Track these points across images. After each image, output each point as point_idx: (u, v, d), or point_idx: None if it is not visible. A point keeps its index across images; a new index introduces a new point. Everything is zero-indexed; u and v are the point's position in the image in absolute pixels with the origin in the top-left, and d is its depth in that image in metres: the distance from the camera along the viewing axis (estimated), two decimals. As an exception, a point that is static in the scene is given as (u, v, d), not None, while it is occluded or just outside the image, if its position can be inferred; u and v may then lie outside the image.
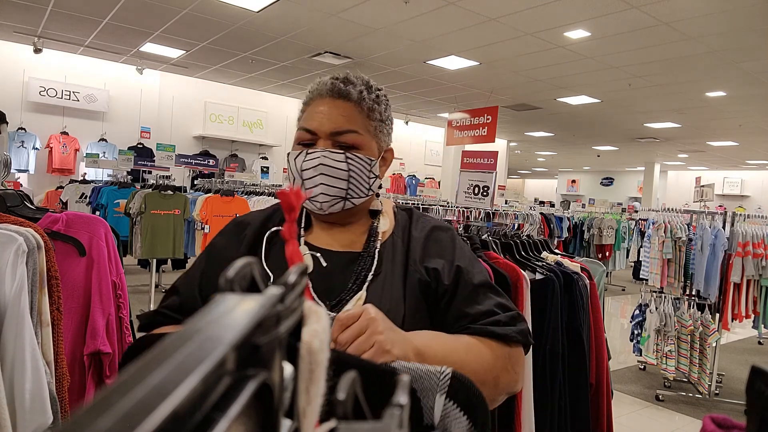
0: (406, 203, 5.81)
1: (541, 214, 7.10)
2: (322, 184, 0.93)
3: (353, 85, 0.95)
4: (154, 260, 5.12)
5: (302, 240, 0.99)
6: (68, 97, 8.25)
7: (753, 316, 4.30)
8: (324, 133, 0.93)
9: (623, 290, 9.24)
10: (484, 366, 0.81)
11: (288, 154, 0.99)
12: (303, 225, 1.01)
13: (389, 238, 0.98)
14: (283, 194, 0.47)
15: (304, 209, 1.02)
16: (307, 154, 0.93)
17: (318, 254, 0.94)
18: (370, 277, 0.92)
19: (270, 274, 0.92)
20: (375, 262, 0.94)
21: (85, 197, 5.62)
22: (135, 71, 8.78)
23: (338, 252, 0.95)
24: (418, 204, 5.28)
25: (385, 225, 1.00)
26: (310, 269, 0.91)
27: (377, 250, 0.95)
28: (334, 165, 0.92)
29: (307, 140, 0.94)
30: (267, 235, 0.97)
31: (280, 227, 0.98)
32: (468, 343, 0.84)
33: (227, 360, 0.17)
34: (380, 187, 1.02)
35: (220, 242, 1.00)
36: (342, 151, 0.93)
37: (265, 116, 10.47)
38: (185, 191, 5.60)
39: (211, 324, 0.18)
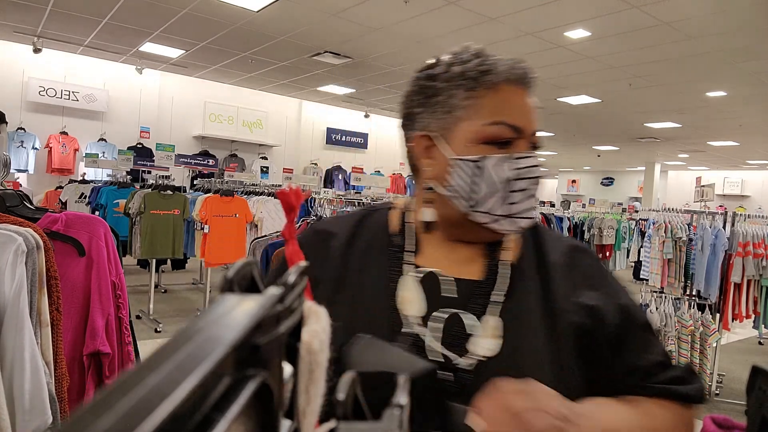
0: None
1: (542, 213, 7.11)
2: (533, 197, 0.73)
3: None
4: (154, 260, 5.12)
5: (408, 263, 0.76)
6: (68, 97, 8.25)
7: (753, 316, 4.30)
8: (528, 133, 0.73)
9: (623, 290, 9.23)
10: None
11: (463, 158, 0.72)
12: (409, 242, 0.78)
13: (518, 261, 0.77)
14: (283, 194, 0.46)
15: (410, 222, 0.80)
16: (518, 159, 0.72)
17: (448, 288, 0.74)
18: (501, 298, 0.72)
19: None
20: (507, 282, 0.74)
21: (85, 197, 5.62)
22: (135, 71, 8.78)
23: (465, 280, 0.75)
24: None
25: (511, 236, 0.79)
26: (421, 309, 0.72)
27: (510, 264, 0.76)
28: (541, 174, 0.74)
29: (506, 138, 0.72)
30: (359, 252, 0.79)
31: (374, 243, 0.80)
32: (655, 416, 0.68)
33: (227, 360, 0.16)
34: None
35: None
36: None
37: (265, 116, 10.47)
38: (185, 191, 5.60)
39: (211, 324, 0.18)
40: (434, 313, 0.71)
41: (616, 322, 0.72)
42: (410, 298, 0.72)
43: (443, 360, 0.68)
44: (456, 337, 0.70)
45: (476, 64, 0.72)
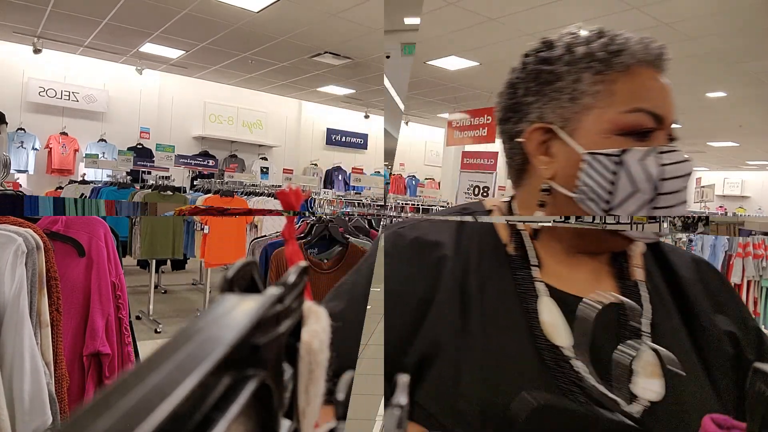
0: (406, 204, 5.72)
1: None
2: (684, 202, 0.60)
3: None
4: (154, 261, 5.12)
5: (538, 281, 0.63)
6: (68, 98, 8.25)
7: (753, 317, 4.30)
8: (668, 122, 0.62)
9: (623, 290, 9.24)
10: None
11: (598, 151, 0.60)
12: (532, 255, 0.65)
13: (647, 279, 0.66)
14: (283, 194, 0.46)
15: (524, 230, 0.66)
16: (662, 153, 0.59)
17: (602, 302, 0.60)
18: (649, 327, 0.60)
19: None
20: (650, 306, 0.62)
21: (85, 198, 5.61)
22: (134, 71, 8.79)
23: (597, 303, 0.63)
24: (418, 204, 5.28)
25: (637, 249, 0.68)
26: (568, 340, 0.58)
27: (644, 282, 0.64)
28: (691, 170, 0.62)
29: (646, 128, 0.60)
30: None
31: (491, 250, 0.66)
32: None
33: (227, 360, 0.17)
34: None
35: (397, 271, 0.64)
36: None
37: (265, 117, 10.47)
38: (185, 192, 5.60)
39: (211, 324, 0.18)
40: (620, 347, 0.58)
41: (754, 353, 0.63)
42: (555, 325, 0.59)
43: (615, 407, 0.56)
44: (616, 377, 0.57)
45: (603, 44, 0.62)
